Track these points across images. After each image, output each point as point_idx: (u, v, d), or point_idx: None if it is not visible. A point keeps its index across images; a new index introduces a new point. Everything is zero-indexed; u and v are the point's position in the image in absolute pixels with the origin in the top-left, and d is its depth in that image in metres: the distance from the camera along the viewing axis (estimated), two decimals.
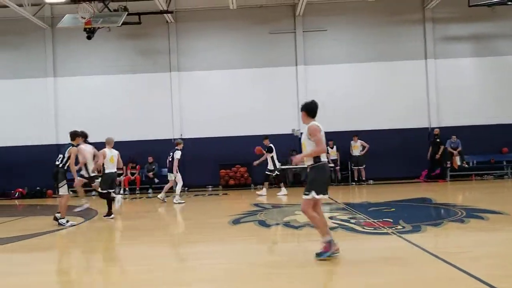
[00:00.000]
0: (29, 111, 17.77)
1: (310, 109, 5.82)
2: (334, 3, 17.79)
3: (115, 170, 10.45)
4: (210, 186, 17.37)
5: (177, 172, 12.90)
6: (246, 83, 17.83)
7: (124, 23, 15.52)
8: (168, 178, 13.38)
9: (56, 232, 8.70)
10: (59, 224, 9.09)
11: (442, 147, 16.64)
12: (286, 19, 17.96)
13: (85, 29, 15.44)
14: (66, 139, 15.22)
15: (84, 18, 15.17)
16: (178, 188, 13.11)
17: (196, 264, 5.80)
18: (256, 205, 11.48)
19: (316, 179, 5.62)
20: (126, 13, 15.75)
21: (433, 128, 17.38)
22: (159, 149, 17.34)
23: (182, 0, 17.60)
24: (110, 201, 10.05)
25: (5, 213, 12.32)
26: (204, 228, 8.60)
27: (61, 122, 17.83)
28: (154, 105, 17.81)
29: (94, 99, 17.79)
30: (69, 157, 9.22)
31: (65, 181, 9.22)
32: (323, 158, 5.70)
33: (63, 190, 9.21)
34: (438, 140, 16.73)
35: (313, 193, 5.56)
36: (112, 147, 10.51)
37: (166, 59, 17.89)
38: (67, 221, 9.20)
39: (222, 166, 17.14)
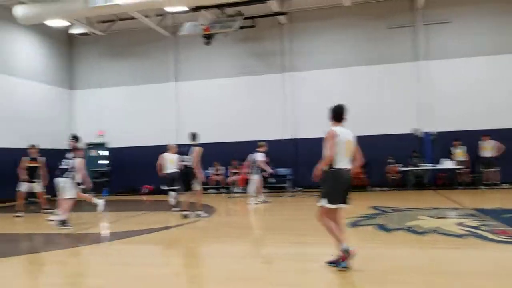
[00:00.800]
0: (156, 114, 19.09)
1: (333, 113, 5.60)
2: None
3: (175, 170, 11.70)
4: None
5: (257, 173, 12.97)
6: (362, 80, 17.23)
7: (240, 27, 15.99)
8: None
9: (179, 226, 9.13)
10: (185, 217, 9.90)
11: None
12: (404, 13, 17.04)
13: (204, 35, 16.22)
14: (186, 140, 16.17)
15: (203, 25, 15.95)
16: (251, 189, 13.21)
17: (316, 266, 5.64)
18: (375, 208, 10.99)
19: (328, 186, 5.31)
20: (242, 17, 16.22)
21: None
22: (273, 148, 17.55)
23: (295, 1, 17.55)
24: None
25: (133, 207, 13.31)
26: (319, 229, 8.40)
27: (183, 123, 18.91)
28: (267, 106, 18.04)
29: (211, 102, 18.55)
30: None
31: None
32: (339, 165, 5.34)
33: (197, 186, 10.25)
34: None
35: (324, 202, 5.29)
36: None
37: (279, 60, 18.03)
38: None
39: None
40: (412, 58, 16.87)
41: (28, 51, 18.00)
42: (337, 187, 5.34)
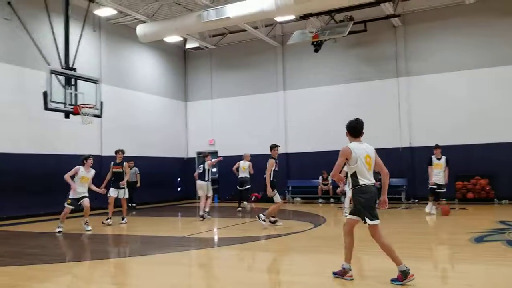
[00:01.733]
0: (263, 123, 19.38)
1: (349, 128, 5.67)
2: None
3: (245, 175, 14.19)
4: (444, 200, 15.86)
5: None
6: (485, 83, 15.68)
7: (349, 33, 15.62)
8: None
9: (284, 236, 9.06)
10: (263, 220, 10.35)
11: None
12: None
13: (312, 43, 16.11)
14: (294, 149, 16.11)
15: (312, 32, 15.85)
16: (346, 201, 12.43)
17: (439, 282, 5.19)
18: (503, 222, 9.92)
19: (357, 203, 5.27)
20: (352, 22, 15.85)
21: None
22: (386, 158, 16.78)
23: (410, 2, 16.70)
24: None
25: (246, 215, 13.53)
26: (443, 244, 7.80)
27: (290, 132, 18.95)
28: (380, 113, 17.29)
29: (319, 110, 18.31)
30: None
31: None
32: (363, 181, 5.25)
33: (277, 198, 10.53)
34: None
35: (350, 216, 5.38)
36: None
37: (393, 64, 17.23)
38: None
39: (459, 177, 15.47)
40: None
41: (147, 67, 19.42)
42: (362, 203, 5.23)
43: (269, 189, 10.40)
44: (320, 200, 17.53)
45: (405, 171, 16.66)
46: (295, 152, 18.76)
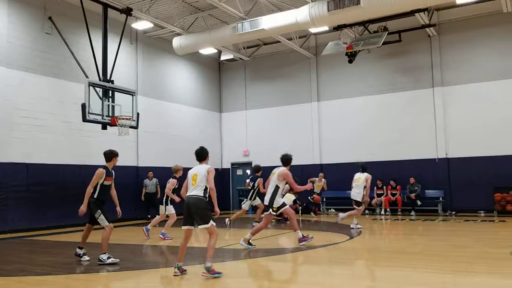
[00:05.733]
0: (298, 134, 19.37)
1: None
2: None
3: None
4: (482, 211, 15.48)
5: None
6: None
7: (384, 43, 15.53)
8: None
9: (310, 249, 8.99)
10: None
11: None
12: None
13: (346, 54, 16.08)
14: (329, 160, 15.96)
15: (346, 43, 15.82)
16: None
17: None
18: None
19: None
20: (386, 32, 15.76)
21: None
22: (421, 169, 16.57)
23: (446, 11, 16.47)
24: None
25: (278, 226, 13.51)
26: (483, 258, 7.57)
27: (324, 143, 18.86)
28: (415, 123, 17.06)
29: (354, 120, 18.20)
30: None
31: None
32: None
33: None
34: None
35: None
36: None
37: (428, 74, 16.98)
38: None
39: (497, 189, 15.07)
40: None
41: (183, 79, 19.78)
42: None
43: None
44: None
45: (442, 182, 16.32)
46: (329, 163, 18.65)
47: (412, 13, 14.80)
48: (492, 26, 15.96)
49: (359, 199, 12.26)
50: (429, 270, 6.70)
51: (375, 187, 16.89)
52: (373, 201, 16.84)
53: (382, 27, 16.08)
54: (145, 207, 16.42)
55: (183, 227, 6.48)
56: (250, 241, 9.04)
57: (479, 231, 11.42)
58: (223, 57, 20.57)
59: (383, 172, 16.81)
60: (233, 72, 21.52)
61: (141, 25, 15.87)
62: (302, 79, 19.69)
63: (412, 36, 16.74)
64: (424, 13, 15.24)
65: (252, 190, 13.39)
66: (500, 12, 15.09)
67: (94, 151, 14.92)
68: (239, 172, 21.00)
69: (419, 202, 16.09)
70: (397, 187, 16.67)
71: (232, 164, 21.05)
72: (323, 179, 16.74)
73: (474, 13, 16.10)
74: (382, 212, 16.65)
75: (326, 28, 15.97)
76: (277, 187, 9.11)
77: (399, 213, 16.35)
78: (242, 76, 21.27)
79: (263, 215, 9.75)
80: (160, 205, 11.13)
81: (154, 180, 16.42)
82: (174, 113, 18.92)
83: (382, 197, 16.80)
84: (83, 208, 7.60)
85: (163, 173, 16.94)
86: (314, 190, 16.30)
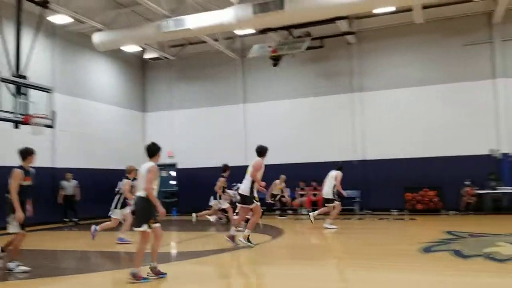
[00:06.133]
0: (223, 136, 19.44)
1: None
2: None
3: None
4: (394, 210, 16.46)
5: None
6: (435, 100, 16.53)
7: (307, 48, 16.01)
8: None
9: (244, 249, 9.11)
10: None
11: None
12: (480, 28, 16.27)
13: (271, 57, 16.38)
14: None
15: (271, 47, 16.13)
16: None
17: None
18: (450, 232, 10.38)
19: None
20: (310, 38, 16.25)
21: None
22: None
23: (364, 20, 17.32)
24: None
25: (199, 228, 13.50)
26: (391, 255, 8.06)
27: (250, 146, 19.04)
28: (336, 127, 17.80)
29: (279, 123, 18.58)
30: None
31: None
32: None
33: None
34: None
35: None
36: None
37: (348, 80, 17.78)
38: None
39: (407, 189, 16.12)
40: (489, 75, 16.01)
41: (104, 76, 19.08)
42: None
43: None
44: (277, 212, 17.63)
45: (359, 183, 17.12)
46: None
47: (333, 20, 15.39)
48: (405, 36, 17.06)
49: (330, 197, 12.47)
50: (343, 266, 7.03)
51: (297, 188, 17.40)
52: (295, 202, 17.32)
53: (306, 33, 16.55)
54: (63, 210, 15.64)
55: (135, 229, 6.26)
56: (249, 237, 8.91)
57: (391, 229, 12.14)
58: (147, 56, 20.10)
59: (306, 173, 17.31)
60: (158, 71, 21.11)
61: (59, 19, 15.08)
62: (229, 81, 19.77)
63: (333, 42, 17.42)
64: (345, 20, 15.92)
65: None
66: (412, 23, 16.11)
67: (6, 151, 13.98)
68: (164, 173, 20.62)
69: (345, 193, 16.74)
70: (318, 187, 17.26)
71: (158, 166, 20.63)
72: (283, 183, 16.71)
73: (390, 23, 17.06)
74: (304, 212, 17.14)
75: (252, 31, 16.18)
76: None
77: (279, 212, 16.92)
78: (167, 75, 20.92)
79: (236, 216, 9.67)
80: (115, 209, 10.42)
81: (73, 181, 15.69)
82: (95, 111, 18.18)
83: (304, 197, 17.29)
84: (19, 214, 6.89)
85: (83, 175, 16.32)
86: (273, 192, 16.37)
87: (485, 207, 15.30)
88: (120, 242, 9.92)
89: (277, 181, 16.61)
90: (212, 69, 20.02)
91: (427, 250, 8.12)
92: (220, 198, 13.62)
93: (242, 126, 19.31)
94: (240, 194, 9.40)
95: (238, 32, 16.48)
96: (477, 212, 15.13)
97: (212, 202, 13.87)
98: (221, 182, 13.19)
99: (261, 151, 9.48)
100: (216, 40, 17.76)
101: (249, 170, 9.19)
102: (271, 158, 18.14)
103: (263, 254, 8.80)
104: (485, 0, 15.36)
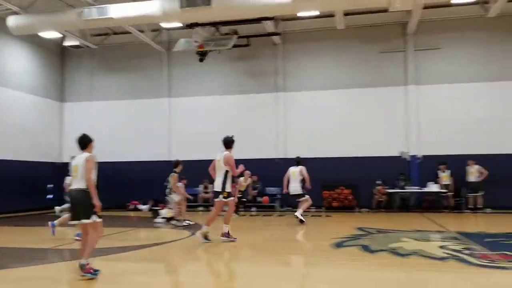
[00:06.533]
0: (148, 130, 19.09)
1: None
2: (449, 20, 16.82)
3: None
4: (313, 207, 17.08)
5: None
6: (352, 103, 17.46)
7: (234, 46, 16.14)
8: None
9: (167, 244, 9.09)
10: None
11: None
12: (396, 38, 17.37)
13: (197, 52, 16.32)
14: (178, 156, 16.07)
15: (197, 42, 16.07)
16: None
17: (294, 286, 5.66)
18: (361, 229, 11.04)
19: None
20: (236, 36, 16.38)
21: None
22: (264, 168, 17.60)
23: (290, 22, 17.82)
24: None
25: (120, 224, 13.21)
26: (304, 250, 8.44)
27: (175, 140, 18.90)
28: (260, 125, 18.15)
29: (204, 119, 18.59)
30: None
31: None
32: None
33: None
34: None
35: None
36: None
37: (273, 80, 18.21)
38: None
39: (325, 187, 16.85)
40: (402, 82, 17.16)
41: (20, 62, 17.95)
42: None
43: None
44: (200, 208, 17.67)
45: (280, 180, 17.55)
46: (183, 159, 18.69)
47: (260, 20, 15.67)
48: (328, 40, 17.82)
49: (300, 192, 12.48)
50: (257, 262, 7.26)
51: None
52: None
53: (233, 31, 16.68)
54: None
55: (71, 222, 6.17)
56: (207, 234, 8.77)
57: (308, 225, 12.62)
58: (67, 43, 19.12)
59: None
60: (78, 59, 20.21)
61: None
62: (154, 74, 19.43)
63: (260, 42, 17.71)
64: (271, 21, 16.27)
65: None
66: (334, 28, 16.82)
67: None
68: None
69: (260, 199, 17.09)
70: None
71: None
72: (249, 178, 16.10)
73: (314, 27, 17.71)
74: (225, 208, 17.28)
75: (179, 24, 16.03)
76: (226, 172, 8.93)
77: (242, 209, 17.17)
78: (88, 64, 20.11)
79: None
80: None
81: None
82: (7, 99, 17.05)
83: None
84: None
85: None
86: (240, 189, 15.58)
87: (395, 205, 16.39)
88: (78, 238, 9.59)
89: (242, 178, 15.87)
90: (137, 61, 19.57)
91: (339, 245, 8.59)
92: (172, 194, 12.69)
93: (166, 121, 19.08)
94: (214, 191, 9.37)
95: (165, 25, 16.26)
96: (387, 210, 16.17)
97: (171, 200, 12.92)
98: (174, 178, 12.68)
99: (228, 143, 9.41)
100: (141, 31, 17.38)
101: (221, 165, 9.04)
102: (196, 154, 18.33)
103: (182, 250, 8.83)
104: (400, 11, 16.39)
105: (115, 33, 19.00)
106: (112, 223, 12.83)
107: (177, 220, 12.35)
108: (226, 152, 9.19)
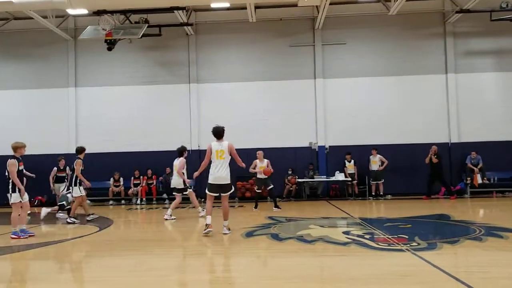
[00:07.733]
0: (52, 120, 18.11)
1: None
2: (353, 16, 17.78)
3: None
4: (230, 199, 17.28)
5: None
6: (264, 95, 17.91)
7: (144, 35, 15.80)
8: None
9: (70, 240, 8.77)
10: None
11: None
12: (305, 32, 18.02)
13: (106, 41, 15.76)
14: (88, 149, 15.46)
15: (105, 30, 15.50)
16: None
17: (208, 277, 5.77)
18: (271, 218, 11.41)
19: None
20: (147, 25, 16.04)
21: (453, 144, 17.12)
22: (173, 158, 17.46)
23: (202, 13, 17.78)
24: None
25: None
26: (215, 240, 8.56)
27: (81, 131, 18.12)
28: (173, 116, 17.97)
29: (113, 109, 18.05)
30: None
31: None
32: None
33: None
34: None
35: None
36: None
37: (185, 70, 18.09)
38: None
39: (239, 178, 17.07)
40: (310, 75, 17.85)
41: None
42: None
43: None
44: (111, 202, 17.18)
45: (192, 172, 17.53)
46: (89, 152, 17.98)
47: (171, 10, 15.44)
48: (240, 32, 18.05)
49: (179, 186, 11.90)
50: (169, 254, 7.27)
51: (132, 177, 17.17)
52: (130, 191, 17.08)
53: (144, 19, 16.30)
54: None
55: None
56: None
57: (221, 216, 12.76)
58: None
59: (140, 162, 17.18)
60: None
61: None
62: (59, 62, 18.50)
63: (172, 32, 17.49)
64: (183, 12, 16.11)
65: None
66: (246, 21, 17.05)
67: None
68: None
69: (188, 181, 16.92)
70: (153, 176, 17.29)
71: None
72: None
73: (226, 19, 17.82)
74: (138, 201, 16.99)
75: (86, 11, 15.34)
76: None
77: (154, 202, 16.98)
78: None
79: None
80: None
81: None
82: None
83: (139, 186, 17.13)
84: None
85: None
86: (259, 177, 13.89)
87: (304, 194, 17.09)
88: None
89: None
90: (41, 49, 18.50)
91: (249, 234, 8.83)
92: (80, 185, 11.70)
93: (73, 111, 18.25)
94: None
95: (70, 11, 15.47)
96: (298, 199, 16.83)
97: (70, 193, 12.05)
98: (78, 164, 11.76)
99: (222, 132, 9.75)
100: (45, 17, 16.37)
101: (225, 155, 9.56)
102: (105, 147, 17.73)
103: (87, 245, 8.58)
104: (309, 6, 17.02)
105: (16, 18, 17.75)
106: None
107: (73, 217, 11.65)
108: (228, 142, 9.45)
